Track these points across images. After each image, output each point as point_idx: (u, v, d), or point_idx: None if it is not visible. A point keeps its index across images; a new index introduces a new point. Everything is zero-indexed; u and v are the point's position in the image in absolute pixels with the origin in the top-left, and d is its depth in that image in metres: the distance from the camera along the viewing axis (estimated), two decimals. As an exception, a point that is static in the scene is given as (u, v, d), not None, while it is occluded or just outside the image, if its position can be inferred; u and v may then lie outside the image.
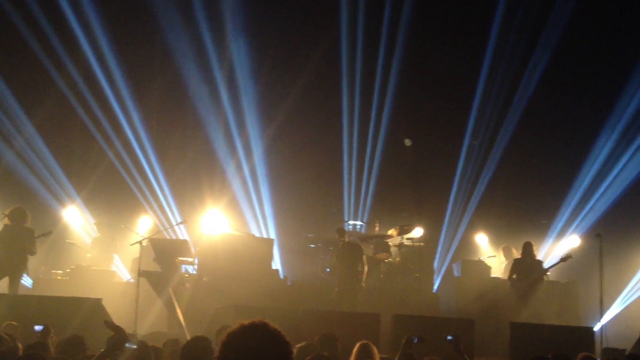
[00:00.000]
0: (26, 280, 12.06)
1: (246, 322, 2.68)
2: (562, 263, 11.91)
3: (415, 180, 17.37)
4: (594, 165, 15.50)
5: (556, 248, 14.62)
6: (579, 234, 14.58)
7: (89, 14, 14.79)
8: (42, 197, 14.80)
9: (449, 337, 6.27)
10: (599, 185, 15.33)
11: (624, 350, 9.23)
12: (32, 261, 11.31)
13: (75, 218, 14.78)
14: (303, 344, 6.17)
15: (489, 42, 15.95)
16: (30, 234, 10.74)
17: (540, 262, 12.08)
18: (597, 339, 10.33)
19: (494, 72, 16.17)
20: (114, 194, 15.61)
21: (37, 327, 6.92)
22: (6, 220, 10.69)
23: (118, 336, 5.08)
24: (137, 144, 15.70)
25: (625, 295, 14.03)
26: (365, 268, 11.91)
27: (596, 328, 10.90)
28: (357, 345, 6.24)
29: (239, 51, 16.24)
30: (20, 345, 6.50)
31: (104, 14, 14.93)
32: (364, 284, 11.88)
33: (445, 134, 17.19)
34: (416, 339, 6.14)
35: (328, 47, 16.38)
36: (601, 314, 11.18)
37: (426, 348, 6.48)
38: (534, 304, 11.57)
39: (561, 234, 15.31)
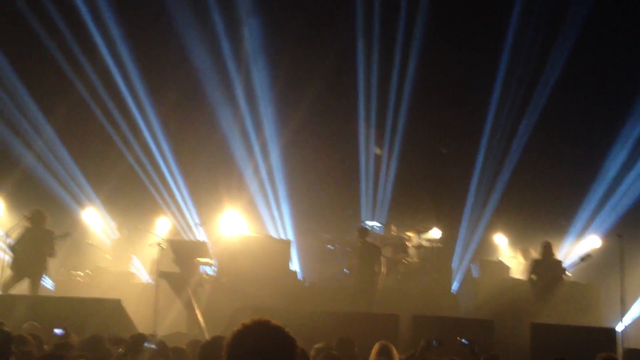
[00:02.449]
0: (47, 282, 12.15)
1: (248, 321, 2.69)
2: (582, 263, 11.79)
3: (432, 182, 17.32)
4: (614, 164, 15.35)
5: (576, 248, 14.48)
6: (600, 234, 14.43)
7: (107, 17, 14.90)
8: (61, 199, 14.93)
9: (464, 341, 6.20)
10: (619, 184, 15.17)
11: (646, 351, 9.11)
12: (52, 263, 11.40)
13: (94, 220, 14.87)
14: (321, 344, 6.16)
15: (506, 43, 15.88)
16: (50, 235, 10.82)
17: (559, 262, 11.96)
18: (619, 340, 10.20)
19: (512, 72, 16.08)
20: (132, 195, 15.70)
21: (57, 331, 6.94)
22: (26, 223, 10.77)
23: (137, 337, 5.10)
24: (154, 145, 15.79)
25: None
26: (383, 269, 11.88)
27: (618, 329, 10.77)
28: (376, 345, 6.22)
29: (256, 53, 16.28)
30: (45, 347, 6.54)
31: (121, 17, 15.03)
32: (380, 285, 11.85)
33: (463, 135, 17.11)
34: (435, 342, 6.09)
35: (345, 49, 16.38)
36: (623, 315, 11.05)
37: (445, 349, 6.44)
38: (554, 305, 11.47)
39: (581, 234, 15.17)
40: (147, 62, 15.73)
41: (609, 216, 15.05)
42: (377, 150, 16.89)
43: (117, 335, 6.23)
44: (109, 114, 15.40)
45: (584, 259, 11.64)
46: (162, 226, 14.92)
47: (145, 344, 5.09)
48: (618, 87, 15.76)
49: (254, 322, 2.68)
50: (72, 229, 12.36)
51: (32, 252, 10.63)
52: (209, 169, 16.42)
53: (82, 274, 13.16)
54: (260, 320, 2.69)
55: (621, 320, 11.04)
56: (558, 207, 16.23)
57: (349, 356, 6.20)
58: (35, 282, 10.67)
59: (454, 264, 15.59)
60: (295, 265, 14.74)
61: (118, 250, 13.82)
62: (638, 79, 15.24)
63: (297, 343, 2.68)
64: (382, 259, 11.94)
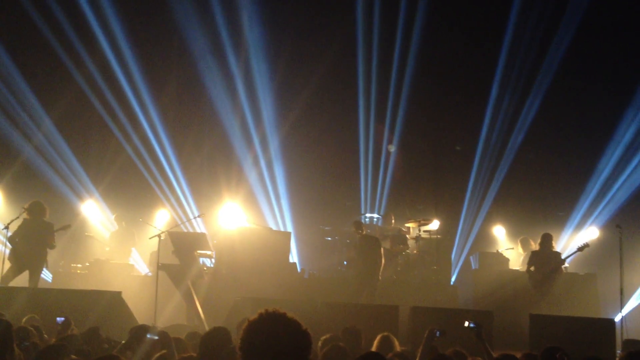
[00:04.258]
0: (46, 275, 12.17)
1: (264, 311, 2.71)
2: (580, 253, 11.83)
3: (432, 173, 17.34)
4: (613, 155, 15.36)
5: (575, 239, 14.51)
6: (598, 225, 14.46)
7: (107, 10, 14.86)
8: (60, 191, 14.93)
9: (471, 324, 6.15)
10: (618, 176, 15.19)
11: (644, 342, 9.14)
12: (52, 255, 11.41)
13: (94, 212, 14.89)
14: (328, 335, 6.18)
15: (506, 33, 15.85)
16: (50, 227, 10.83)
17: (558, 254, 11.99)
18: (618, 331, 10.24)
19: (511, 64, 16.07)
20: (131, 187, 15.72)
21: (59, 319, 7.02)
22: (25, 215, 10.78)
23: (139, 327, 5.11)
24: (154, 138, 15.79)
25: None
26: (383, 261, 11.90)
27: (617, 320, 10.80)
28: (378, 337, 6.25)
29: (255, 45, 16.25)
30: (46, 337, 6.58)
31: (121, 10, 14.99)
32: (380, 277, 11.88)
33: (462, 126, 17.12)
34: (438, 333, 6.09)
35: (344, 40, 16.35)
36: (621, 306, 11.09)
37: (446, 339, 6.46)
38: (553, 296, 11.51)
39: (580, 225, 15.21)
40: (147, 54, 15.71)
41: (608, 207, 15.08)
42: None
43: (111, 338, 6.28)
44: (108, 106, 15.39)
45: (581, 248, 11.67)
46: (162, 218, 14.93)
47: (148, 335, 5.11)
48: (617, 78, 15.76)
49: (271, 312, 2.70)
50: (71, 221, 12.36)
51: (31, 245, 10.63)
52: (209, 161, 16.44)
53: (81, 266, 13.20)
54: (276, 311, 2.71)
55: (620, 311, 11.08)
56: (557, 199, 16.27)
57: (355, 347, 6.22)
58: (35, 275, 10.68)
59: (453, 255, 15.63)
60: (294, 257, 14.78)
61: (117, 242, 13.84)
62: (636, 71, 15.24)
63: (311, 337, 2.70)
64: (382, 251, 11.96)
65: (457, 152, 17.22)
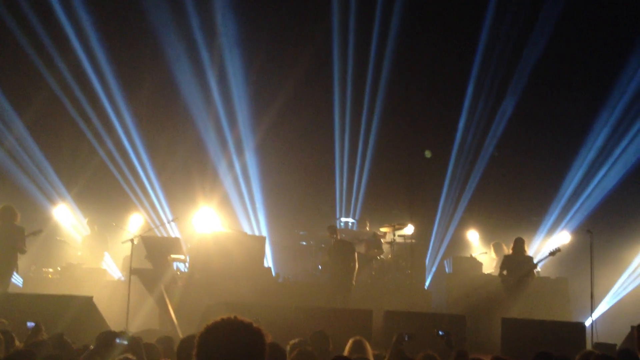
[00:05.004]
0: (17, 279, 12.01)
1: (218, 318, 2.73)
2: (552, 258, 11.96)
3: (406, 178, 17.42)
4: (584, 161, 15.57)
5: (547, 244, 14.67)
6: (570, 230, 14.64)
7: (80, 12, 14.72)
8: (32, 195, 14.74)
9: (440, 332, 6.29)
10: (589, 181, 15.40)
11: (615, 345, 9.27)
12: (23, 260, 11.26)
13: (66, 216, 14.71)
14: (296, 340, 6.18)
15: (481, 37, 16.00)
16: (20, 232, 10.69)
17: (530, 258, 12.12)
18: (588, 335, 10.37)
19: (485, 69, 16.21)
20: (104, 192, 15.56)
21: (30, 324, 6.94)
22: (-4, 219, 10.62)
23: (107, 333, 5.07)
24: (128, 141, 15.66)
25: (616, 291, 14.12)
26: (357, 265, 11.92)
27: (587, 323, 10.94)
28: (350, 341, 6.26)
29: (230, 48, 16.20)
30: (17, 343, 6.49)
31: (94, 12, 14.87)
32: (354, 282, 11.90)
33: (437, 130, 17.23)
34: (407, 337, 6.15)
35: (319, 44, 16.37)
36: (592, 310, 11.23)
37: (418, 344, 6.50)
38: (524, 300, 11.62)
39: (552, 230, 15.37)
40: (121, 57, 15.59)
41: (579, 212, 15.28)
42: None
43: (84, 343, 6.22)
44: (81, 109, 15.24)
45: (553, 253, 11.80)
46: (135, 222, 14.81)
47: (117, 340, 5.06)
48: (590, 85, 15.96)
49: (223, 319, 2.72)
50: (43, 226, 12.22)
51: (1, 249, 10.49)
52: (183, 165, 16.34)
53: (53, 270, 13.04)
54: (229, 317, 2.72)
55: (590, 315, 11.22)
56: (529, 204, 16.43)
57: (323, 351, 6.23)
58: (5, 279, 10.54)
59: (427, 260, 15.71)
60: (269, 261, 14.74)
61: (89, 247, 13.70)
62: (610, 77, 15.45)
63: (266, 338, 2.72)
64: (356, 255, 11.99)
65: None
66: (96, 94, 15.29)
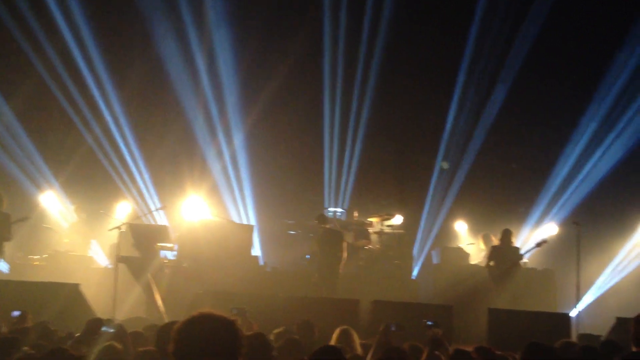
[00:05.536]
0: (2, 266, 11.94)
1: (195, 314, 2.74)
2: (538, 249, 12.02)
3: (396, 168, 17.44)
4: (572, 154, 15.65)
5: (534, 235, 14.75)
6: (557, 221, 14.71)
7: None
8: (19, 182, 14.63)
9: (429, 323, 6.30)
10: (577, 173, 15.49)
11: (600, 336, 9.34)
12: (9, 246, 11.20)
13: (53, 203, 14.61)
14: (281, 329, 6.20)
15: (471, 29, 16.00)
16: (6, 219, 10.64)
17: (517, 249, 12.18)
18: (574, 325, 10.44)
19: (475, 60, 16.23)
20: (92, 179, 15.48)
21: (15, 313, 6.91)
22: (-19, 206, 10.56)
23: (94, 320, 5.05)
24: (116, 129, 15.56)
25: (602, 283, 14.23)
26: (345, 255, 11.94)
27: (572, 314, 11.02)
28: (337, 330, 6.27)
29: (220, 37, 16.11)
30: (4, 329, 6.47)
31: (83, -2, 14.75)
32: (342, 271, 11.92)
33: (426, 121, 17.25)
34: (393, 327, 6.16)
35: (310, 34, 16.31)
36: (578, 301, 11.31)
37: (405, 334, 6.52)
38: (511, 291, 11.68)
39: (539, 221, 15.45)
40: (109, 44, 15.46)
41: (567, 204, 15.37)
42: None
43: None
44: (69, 96, 15.11)
45: (539, 244, 11.87)
46: (123, 210, 14.74)
47: (103, 328, 5.04)
48: (578, 78, 16.00)
49: (199, 314, 2.73)
50: (30, 213, 12.15)
51: (-13, 236, 10.44)
52: (172, 153, 16.26)
53: (39, 257, 12.97)
54: (205, 312, 2.74)
55: (576, 306, 11.31)
56: (518, 195, 16.50)
57: (309, 340, 6.24)
58: (-9, 266, 10.49)
59: (415, 250, 15.75)
60: (257, 250, 14.73)
61: (77, 234, 13.62)
62: (598, 70, 15.51)
63: (241, 332, 2.74)
64: (344, 245, 12.00)
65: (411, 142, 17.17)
66: (85, 81, 15.17)
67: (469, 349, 5.75)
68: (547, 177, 15.85)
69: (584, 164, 15.44)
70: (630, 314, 6.05)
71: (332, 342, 6.10)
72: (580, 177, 15.38)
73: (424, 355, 5.52)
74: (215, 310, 2.76)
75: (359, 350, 6.09)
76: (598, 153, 15.34)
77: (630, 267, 14.18)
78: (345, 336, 6.19)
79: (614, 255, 14.32)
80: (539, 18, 15.46)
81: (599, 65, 15.58)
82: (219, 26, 15.97)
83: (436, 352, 5.50)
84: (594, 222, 13.85)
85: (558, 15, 15.28)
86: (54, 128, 15.71)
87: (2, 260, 11.06)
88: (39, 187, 14.81)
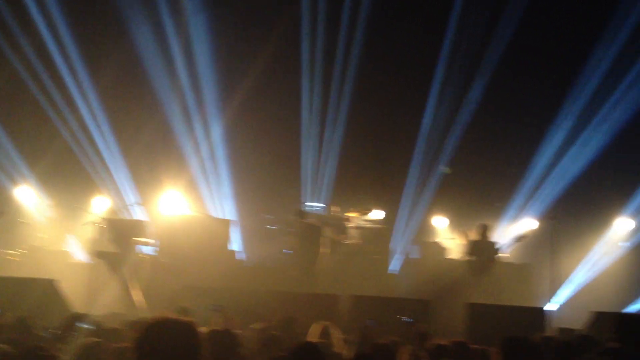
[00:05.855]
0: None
1: (154, 318, 2.80)
2: (517, 244, 12.12)
3: (375, 162, 17.46)
4: (549, 150, 15.79)
5: (511, 230, 14.87)
6: (534, 216, 14.85)
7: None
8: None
9: (404, 319, 6.33)
10: (553, 169, 15.63)
11: (573, 330, 9.45)
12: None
13: (29, 197, 14.43)
14: (263, 324, 6.18)
15: (449, 23, 16.06)
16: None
17: (494, 244, 12.28)
18: (550, 319, 10.54)
19: (454, 55, 16.30)
20: (68, 173, 15.27)
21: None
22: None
23: (70, 316, 4.99)
24: (92, 122, 15.39)
25: (578, 277, 14.39)
26: (324, 250, 11.95)
27: (548, 308, 11.13)
28: (317, 326, 6.26)
29: (197, 29, 16.00)
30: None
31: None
32: (320, 266, 11.93)
33: (405, 116, 17.28)
34: (370, 322, 6.19)
35: (288, 27, 16.26)
36: (554, 295, 11.43)
37: (384, 328, 6.54)
38: (489, 285, 11.77)
39: (516, 216, 15.58)
40: (84, 34, 15.27)
41: (543, 199, 15.50)
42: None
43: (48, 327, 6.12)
44: (44, 88, 14.91)
45: (519, 239, 11.97)
46: (100, 205, 14.60)
47: (79, 324, 4.99)
48: (554, 74, 16.14)
49: (153, 321, 2.78)
50: (5, 207, 11.98)
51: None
52: (149, 147, 16.11)
53: (15, 252, 12.81)
54: (159, 318, 2.79)
55: (552, 300, 11.42)
56: (496, 191, 16.60)
57: (290, 334, 6.23)
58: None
59: (394, 245, 15.80)
60: (236, 245, 14.68)
61: (53, 229, 13.49)
62: (575, 66, 15.64)
63: (199, 333, 2.80)
64: (323, 240, 12.00)
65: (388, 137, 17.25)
66: (60, 73, 14.97)
67: (447, 343, 5.78)
68: (524, 172, 15.98)
69: (560, 160, 15.59)
70: (606, 308, 6.12)
71: (311, 337, 6.09)
72: (557, 173, 15.54)
73: (410, 350, 5.54)
74: (171, 314, 2.82)
75: (339, 346, 6.09)
76: (574, 148, 15.49)
77: (605, 262, 14.37)
78: (325, 331, 6.18)
79: (589, 250, 14.49)
80: (515, 15, 15.55)
81: (574, 62, 15.71)
82: (197, 17, 15.86)
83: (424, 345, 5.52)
84: (570, 217, 13.99)
85: (534, 12, 15.38)
86: (29, 121, 15.49)
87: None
88: (13, 181, 14.61)
